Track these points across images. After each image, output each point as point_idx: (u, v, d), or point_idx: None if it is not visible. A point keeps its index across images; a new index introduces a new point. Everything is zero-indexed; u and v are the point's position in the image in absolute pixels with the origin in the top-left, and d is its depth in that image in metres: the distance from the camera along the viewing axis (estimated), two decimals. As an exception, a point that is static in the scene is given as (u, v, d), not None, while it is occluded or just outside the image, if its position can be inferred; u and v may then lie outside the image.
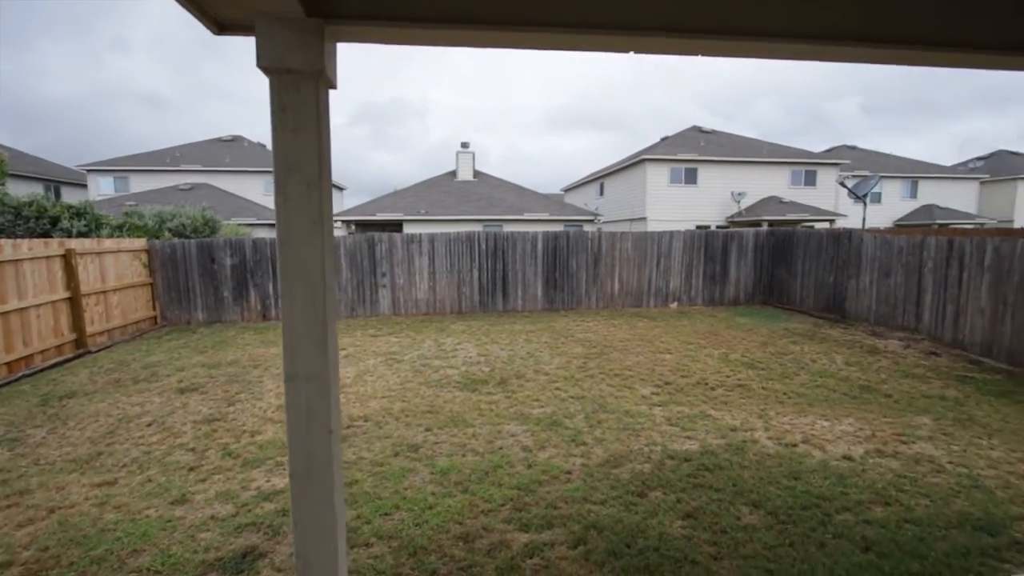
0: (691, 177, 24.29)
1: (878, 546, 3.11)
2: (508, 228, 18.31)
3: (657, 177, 24.03)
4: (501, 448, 4.64)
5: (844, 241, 10.52)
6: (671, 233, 12.82)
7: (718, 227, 23.43)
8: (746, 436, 4.89)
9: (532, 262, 12.26)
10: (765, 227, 16.14)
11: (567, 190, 37.12)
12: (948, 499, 3.68)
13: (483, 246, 12.10)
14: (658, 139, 28.04)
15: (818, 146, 27.04)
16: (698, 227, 20.69)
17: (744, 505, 3.63)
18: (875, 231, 10.19)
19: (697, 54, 1.98)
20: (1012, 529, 3.30)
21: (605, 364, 7.57)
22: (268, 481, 4.06)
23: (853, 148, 32.98)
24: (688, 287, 12.90)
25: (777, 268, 12.58)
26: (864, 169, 27.49)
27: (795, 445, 4.68)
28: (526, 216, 20.97)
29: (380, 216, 20.77)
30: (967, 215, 28.30)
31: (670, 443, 4.74)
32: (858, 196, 15.75)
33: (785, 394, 6.23)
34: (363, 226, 20.79)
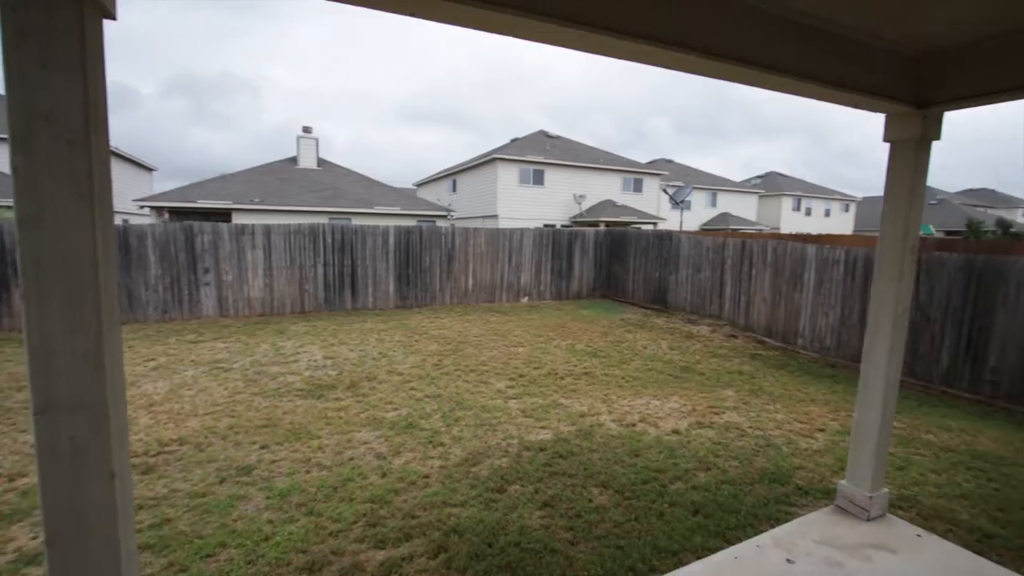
0: (539, 178, 25.63)
1: (704, 508, 3.52)
2: (357, 221, 17.24)
3: (508, 176, 24.87)
4: (352, 459, 4.26)
5: (666, 241, 12.02)
6: (522, 230, 13.32)
7: (562, 226, 25.10)
8: (593, 421, 5.22)
9: (384, 257, 11.70)
10: (602, 227, 17.71)
11: (420, 185, 36.48)
12: (751, 458, 4.35)
13: (329, 240, 11.19)
14: (508, 140, 29.04)
15: (643, 158, 30.85)
16: (545, 226, 21.90)
17: (595, 487, 3.83)
18: (689, 233, 11.82)
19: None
20: (795, 478, 4.01)
21: (461, 360, 7.51)
22: (35, 538, 3.13)
23: (670, 162, 38.13)
24: (538, 282, 13.55)
25: (613, 264, 13.89)
26: (678, 180, 31.96)
27: (634, 425, 5.13)
28: (377, 209, 20.03)
29: (203, 203, 17.97)
30: (751, 222, 34.70)
31: (526, 434, 4.84)
32: (676, 202, 18.16)
33: (624, 379, 6.84)
34: (180, 214, 17.77)
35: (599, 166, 27.05)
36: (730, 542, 3.11)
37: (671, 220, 28.40)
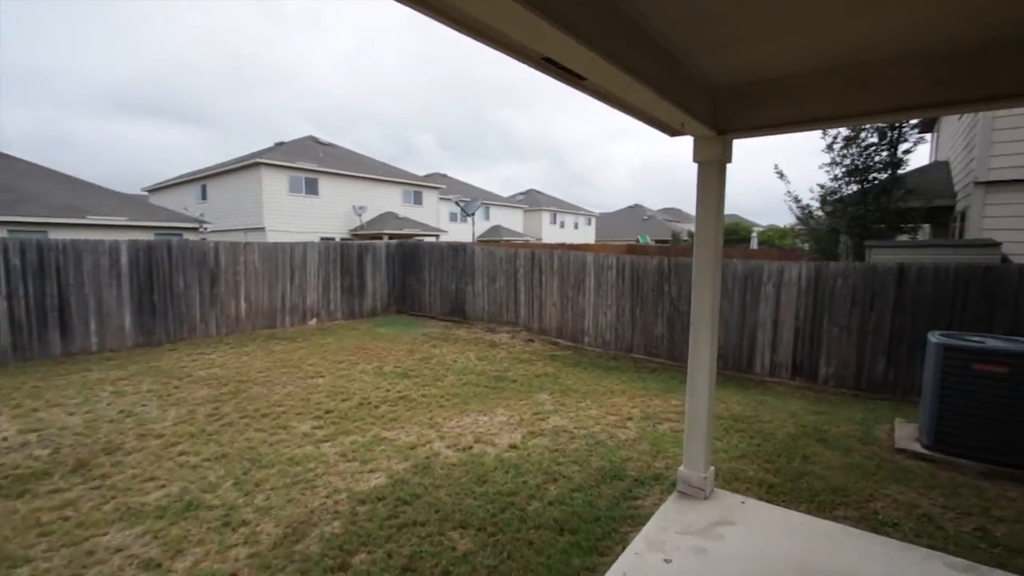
0: (312, 187, 23.46)
1: (568, 524, 3.45)
2: (60, 235, 12.86)
3: (275, 184, 22.07)
4: (101, 582, 2.90)
5: (461, 253, 12.18)
6: (305, 245, 11.82)
7: (343, 240, 23.50)
8: (427, 451, 4.75)
9: (113, 282, 8.88)
10: (386, 239, 17.06)
11: (153, 191, 29.62)
12: (587, 459, 4.53)
13: (16, 261, 7.94)
14: (272, 144, 25.86)
15: (414, 171, 31.12)
16: (323, 239, 20.11)
17: (453, 530, 3.41)
18: (482, 244, 12.22)
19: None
20: (629, 471, 4.30)
21: (246, 404, 6.11)
22: None
23: (444, 176, 39.59)
24: (327, 301, 12.21)
25: (408, 277, 13.47)
26: (454, 194, 33.35)
27: (471, 447, 4.85)
28: (93, 219, 15.35)
29: None
30: (519, 234, 38.45)
31: (355, 484, 4.10)
32: (468, 214, 18.74)
33: (443, 397, 6.52)
34: None
35: (379, 177, 26.26)
36: (603, 554, 3.09)
37: (452, 233, 29.37)
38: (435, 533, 3.37)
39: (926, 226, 11.58)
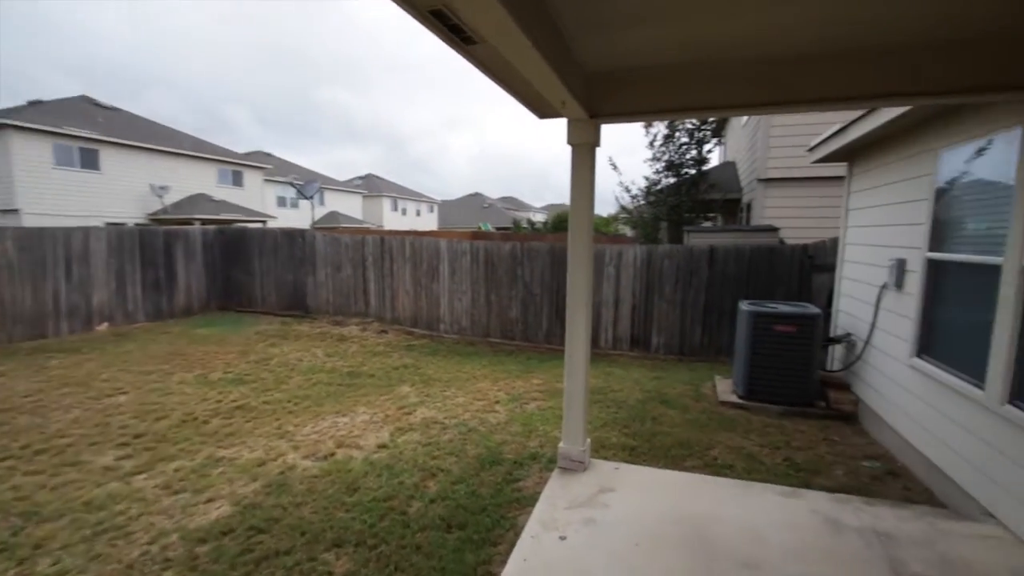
0: (91, 161, 18.88)
1: (455, 519, 3.28)
2: None
3: (31, 153, 17.22)
4: None
5: (299, 240, 10.96)
6: (87, 231, 9.42)
7: (139, 225, 19.47)
8: (280, 466, 4.14)
9: None
10: (198, 225, 14.55)
11: None
12: (463, 449, 4.40)
13: None
14: (24, 102, 20.08)
15: (231, 148, 26.99)
16: (109, 224, 16.38)
17: (327, 552, 2.99)
18: (324, 230, 11.16)
19: None
20: (506, 454, 4.29)
21: (8, 442, 4.64)
22: None
23: (269, 155, 35.30)
24: (123, 301, 9.94)
25: (233, 269, 11.69)
26: (281, 175, 29.99)
27: (333, 454, 4.35)
28: None
29: None
30: (359, 221, 36.31)
31: (189, 520, 3.36)
32: (306, 197, 16.91)
33: (291, 402, 5.79)
34: None
35: (186, 152, 22.29)
36: (497, 544, 3.00)
37: (282, 218, 26.47)
38: (304, 560, 2.91)
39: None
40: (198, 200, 21.98)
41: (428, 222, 46.10)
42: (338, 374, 7.02)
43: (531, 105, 3.48)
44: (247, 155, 30.78)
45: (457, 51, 2.47)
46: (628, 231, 16.03)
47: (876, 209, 5.02)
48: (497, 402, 5.68)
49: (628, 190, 12.11)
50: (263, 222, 23.85)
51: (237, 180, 25.20)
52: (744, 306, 5.58)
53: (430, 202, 47.70)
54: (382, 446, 4.49)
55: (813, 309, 5.38)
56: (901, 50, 2.73)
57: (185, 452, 4.41)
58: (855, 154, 5.52)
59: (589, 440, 3.70)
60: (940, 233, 3.82)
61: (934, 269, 3.86)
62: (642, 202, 11.97)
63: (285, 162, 35.65)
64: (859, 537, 2.74)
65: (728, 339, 7.76)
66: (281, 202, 30.31)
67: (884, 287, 4.64)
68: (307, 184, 18.18)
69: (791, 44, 2.76)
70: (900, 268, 4.34)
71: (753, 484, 3.43)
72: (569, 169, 3.44)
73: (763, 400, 5.33)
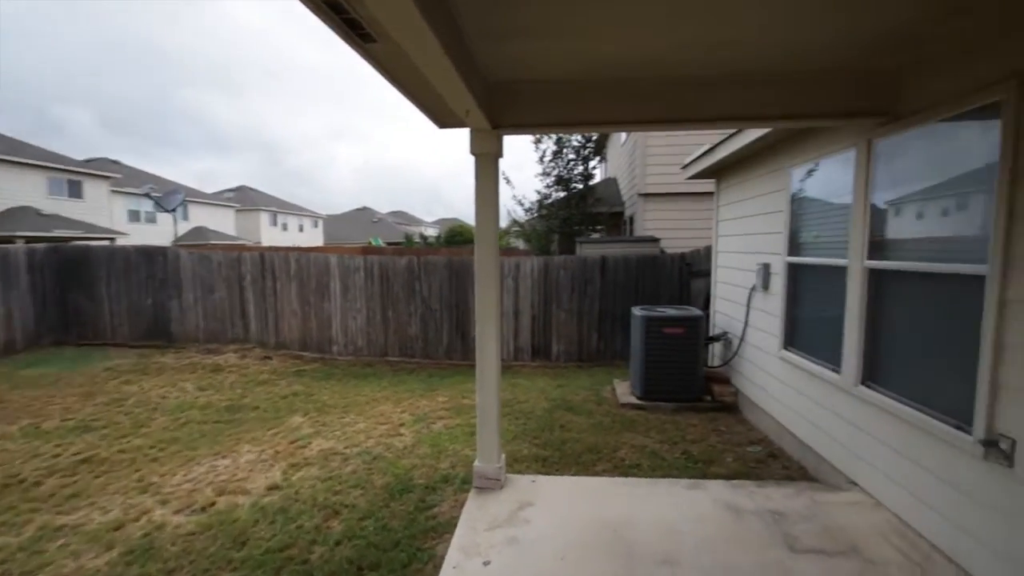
0: None
1: (366, 559, 2.98)
2: None
3: None
4: None
5: (159, 258, 9.58)
6: None
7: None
8: (143, 525, 3.48)
9: None
10: (21, 244, 12.10)
11: None
12: (368, 480, 4.06)
13: None
14: None
15: (69, 155, 22.90)
16: None
17: (210, 623, 2.54)
18: (189, 247, 9.90)
19: None
20: (416, 480, 4.04)
21: None
22: None
23: (116, 162, 30.75)
24: (-91, 340, 7.88)
25: (71, 295, 9.86)
26: (133, 186, 26.26)
27: (213, 504, 3.77)
28: None
29: None
30: (232, 237, 32.95)
31: (16, 611, 2.67)
32: (168, 210, 14.81)
33: (154, 448, 4.96)
34: None
35: (2, 157, 18.58)
36: (415, 581, 2.77)
37: (136, 235, 23.14)
38: (182, 637, 2.44)
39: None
40: (23, 214, 18.39)
41: (313, 238, 43.31)
42: (214, 410, 6.19)
43: (432, 113, 3.37)
44: (88, 162, 26.55)
45: (355, 49, 2.29)
46: (520, 244, 16.44)
47: (742, 220, 5.64)
48: (402, 424, 5.38)
49: (522, 203, 12.46)
50: (111, 239, 20.63)
51: (75, 191, 21.56)
52: (637, 311, 5.92)
53: (314, 216, 44.94)
54: (273, 487, 3.99)
55: (696, 311, 5.88)
56: (774, 79, 3.08)
57: (7, 526, 3.54)
58: (722, 171, 6.18)
59: (504, 456, 3.62)
60: (796, 240, 4.38)
61: (794, 271, 4.41)
62: (535, 215, 12.36)
63: (139, 171, 31.34)
64: (758, 519, 2.97)
65: (622, 343, 8.21)
66: (134, 216, 26.52)
67: (753, 289, 5.20)
68: (167, 195, 16.01)
69: (685, 66, 2.98)
70: (766, 272, 4.89)
71: (660, 481, 3.58)
72: (467, 181, 3.38)
73: (659, 399, 5.67)
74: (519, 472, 3.95)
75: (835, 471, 3.62)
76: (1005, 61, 2.33)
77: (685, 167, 6.91)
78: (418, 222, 63.09)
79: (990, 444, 2.32)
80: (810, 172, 4.16)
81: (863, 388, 3.31)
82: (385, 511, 3.55)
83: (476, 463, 3.47)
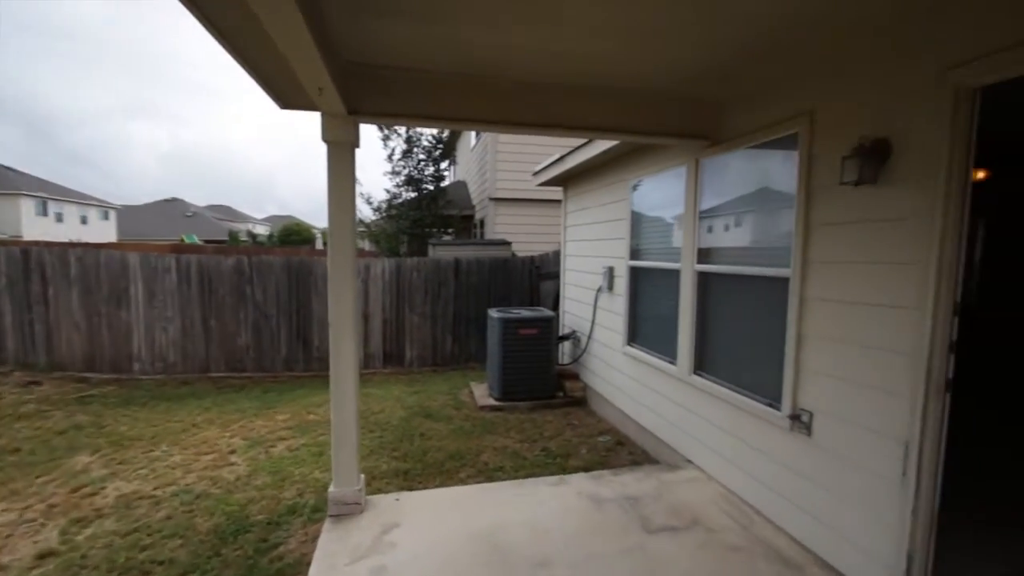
0: None
1: (190, 629, 2.41)
2: None
3: None
4: None
5: None
6: None
7: None
8: None
9: None
10: None
11: None
12: (191, 524, 3.35)
13: None
14: None
15: None
16: None
17: None
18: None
19: None
20: (254, 516, 3.45)
21: None
22: None
23: None
24: None
25: None
26: None
27: (-57, 591, 2.74)
28: None
29: None
30: (-27, 228, 25.31)
31: None
32: None
33: None
34: None
35: None
36: (259, 641, 2.32)
37: None
38: None
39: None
40: None
41: (103, 231, 35.56)
42: (-56, 459, 4.58)
43: (274, 87, 2.92)
44: None
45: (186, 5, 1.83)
46: (366, 245, 15.62)
47: (589, 226, 6.06)
48: (232, 452, 4.61)
49: (370, 202, 11.78)
50: None
51: None
52: (495, 314, 5.97)
53: (103, 206, 37.06)
54: (47, 554, 3.05)
55: (548, 312, 6.15)
56: (622, 95, 3.31)
57: None
58: (570, 180, 6.58)
59: (363, 477, 3.29)
60: (637, 245, 4.83)
61: (635, 274, 4.86)
62: (383, 215, 11.79)
63: None
64: (617, 506, 3.16)
65: (476, 346, 8.25)
66: None
67: (600, 290, 5.62)
68: None
69: (552, 72, 3.03)
70: (610, 275, 5.32)
71: (526, 482, 3.61)
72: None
73: (516, 399, 5.78)
74: (380, 491, 3.64)
75: (673, 452, 4.06)
76: (800, 102, 2.82)
77: (536, 174, 7.21)
78: (245, 218, 56.20)
79: (795, 418, 2.78)
80: (649, 185, 4.62)
81: (695, 376, 3.75)
82: (215, 561, 2.96)
83: (331, 488, 3.09)
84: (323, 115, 2.93)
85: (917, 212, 2.17)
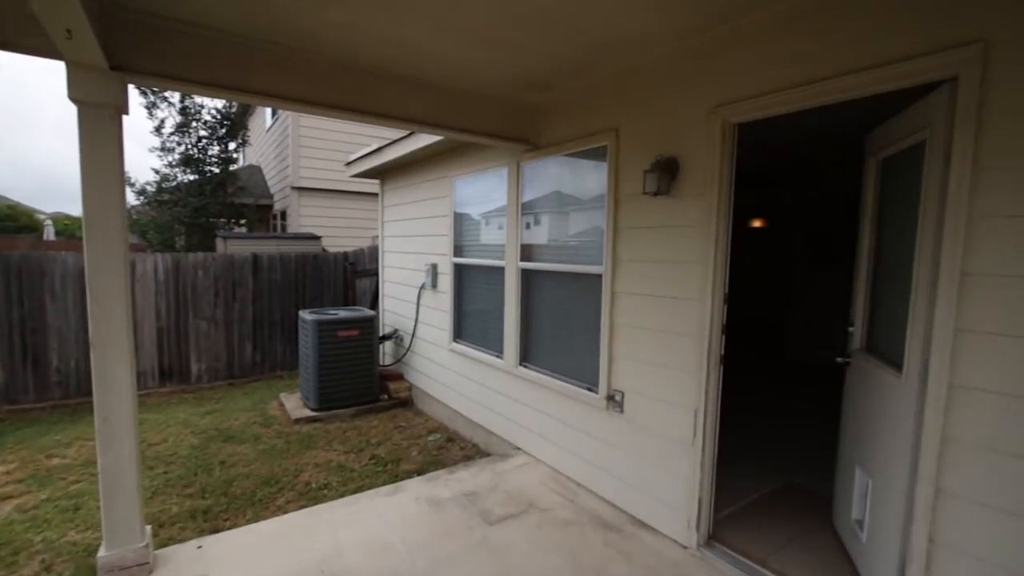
0: None
1: None
2: None
3: None
4: None
5: None
6: None
7: None
8: None
9: None
10: None
11: None
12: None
13: None
14: None
15: None
16: None
17: None
18: None
19: None
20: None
21: None
22: None
23: None
24: None
25: None
26: None
27: None
28: None
29: None
30: None
31: None
32: None
33: None
34: None
35: None
36: None
37: None
38: None
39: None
40: None
41: None
42: None
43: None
44: None
45: None
46: (130, 236, 12.62)
47: (410, 222, 5.92)
48: (10, 497, 3.26)
49: (132, 184, 9.44)
50: None
51: None
52: (307, 316, 5.41)
53: None
54: None
55: (369, 312, 5.83)
56: (449, 91, 3.28)
57: None
58: (389, 173, 6.32)
59: (150, 527, 2.64)
60: (461, 243, 4.88)
61: (460, 271, 4.91)
62: (152, 201, 9.61)
63: None
64: (456, 505, 3.15)
65: (284, 352, 7.40)
66: None
67: (423, 288, 5.53)
68: None
69: (371, 57, 2.81)
70: (434, 272, 5.28)
71: (359, 497, 3.36)
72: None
73: (336, 407, 5.35)
74: (174, 539, 2.98)
75: (503, 441, 4.24)
76: (608, 119, 3.18)
77: (349, 164, 6.74)
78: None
79: (609, 398, 3.15)
80: (473, 183, 4.70)
81: (521, 368, 3.98)
82: None
83: (101, 552, 2.40)
84: (70, 66, 2.22)
85: (698, 221, 2.64)
